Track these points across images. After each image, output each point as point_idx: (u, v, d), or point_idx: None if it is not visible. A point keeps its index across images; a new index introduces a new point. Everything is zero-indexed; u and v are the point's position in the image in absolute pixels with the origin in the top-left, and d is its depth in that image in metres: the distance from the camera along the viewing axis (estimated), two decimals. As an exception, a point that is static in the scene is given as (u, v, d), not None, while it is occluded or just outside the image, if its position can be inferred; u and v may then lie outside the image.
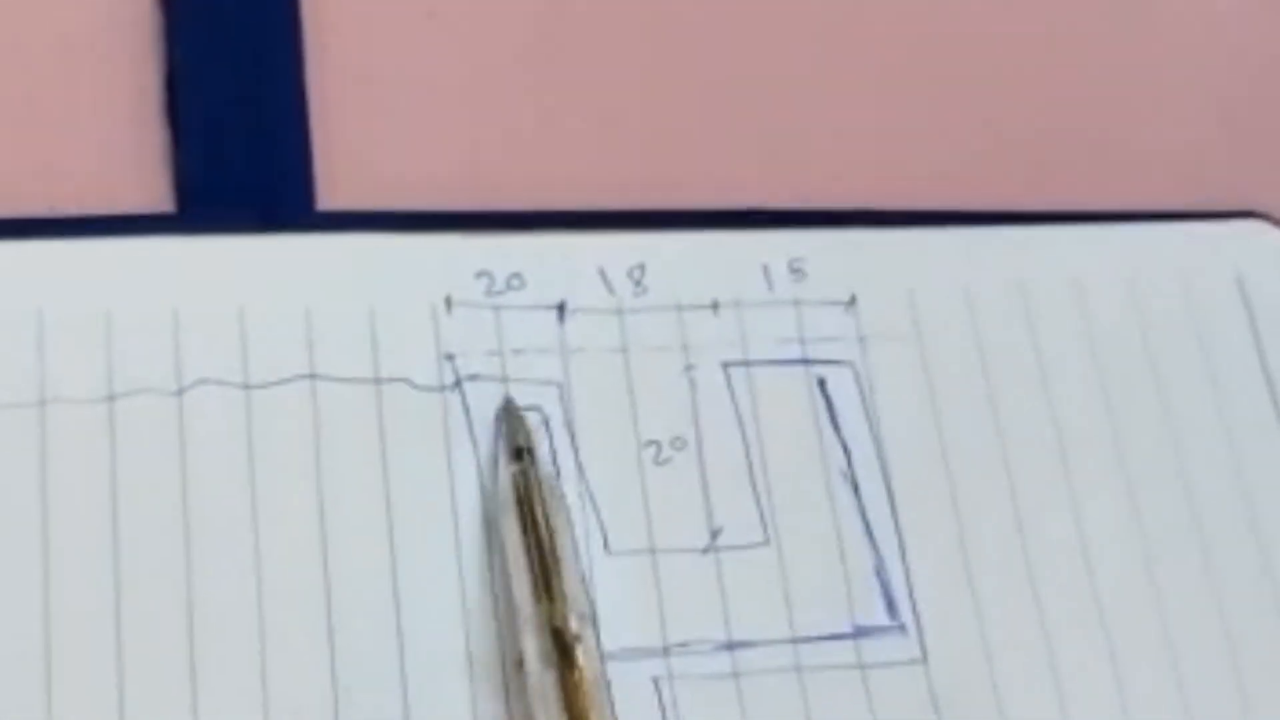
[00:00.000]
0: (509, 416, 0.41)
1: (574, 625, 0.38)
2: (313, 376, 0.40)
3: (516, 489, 0.39)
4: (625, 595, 0.40)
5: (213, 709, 0.37)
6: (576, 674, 0.37)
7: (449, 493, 0.40)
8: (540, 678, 0.37)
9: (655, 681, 0.39)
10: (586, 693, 0.37)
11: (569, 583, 0.38)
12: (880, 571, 0.41)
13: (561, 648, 0.37)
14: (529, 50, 0.46)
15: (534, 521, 0.39)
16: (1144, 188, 0.48)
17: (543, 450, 0.40)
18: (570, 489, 0.41)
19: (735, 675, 0.40)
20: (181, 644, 0.37)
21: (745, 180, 0.46)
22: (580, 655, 0.37)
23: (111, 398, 0.39)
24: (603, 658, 0.38)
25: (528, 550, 0.39)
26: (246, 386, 0.40)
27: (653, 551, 0.41)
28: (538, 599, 0.38)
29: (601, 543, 0.40)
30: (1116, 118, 0.49)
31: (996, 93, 0.49)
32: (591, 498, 0.41)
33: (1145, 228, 0.47)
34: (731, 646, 0.40)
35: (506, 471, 0.40)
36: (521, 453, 0.40)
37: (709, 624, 0.40)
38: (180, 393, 0.39)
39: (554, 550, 0.39)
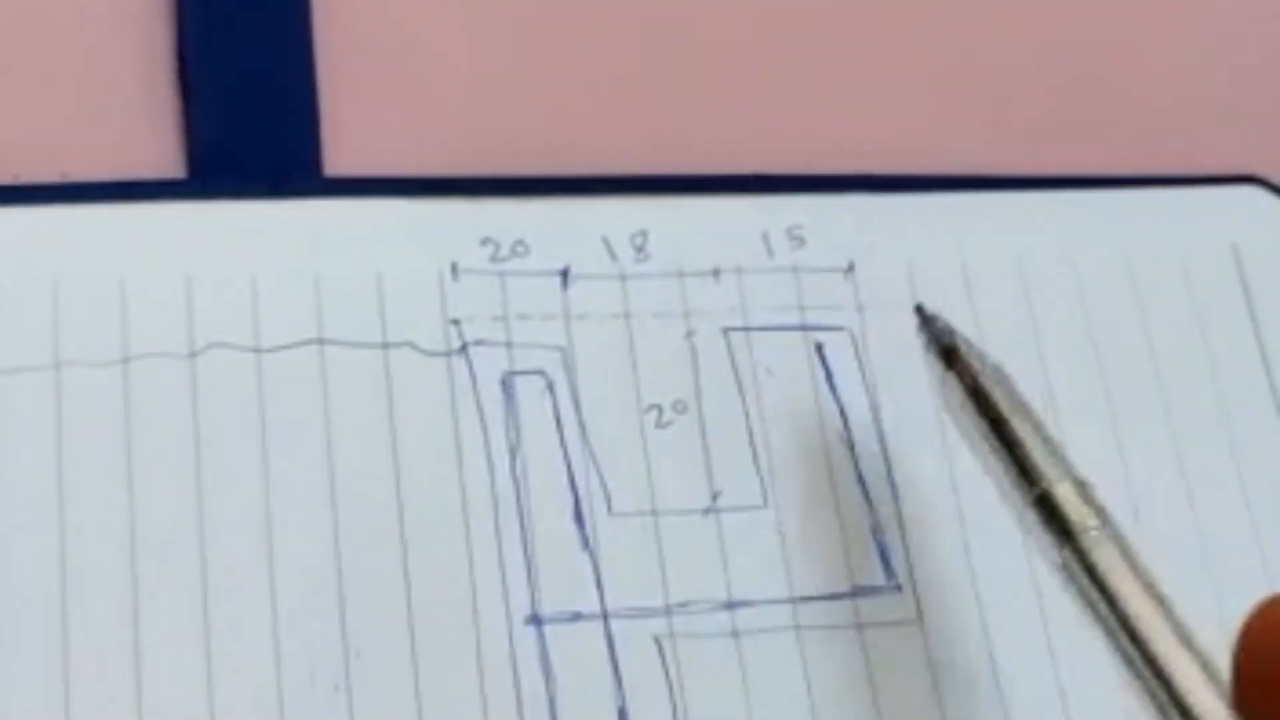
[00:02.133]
0: (927, 322, 0.41)
1: (1061, 491, 0.37)
2: (321, 341, 0.40)
3: (965, 388, 0.40)
4: (628, 556, 0.40)
5: (225, 669, 0.38)
6: (1087, 536, 0.37)
7: (455, 454, 0.40)
8: (1067, 561, 0.37)
9: (657, 640, 0.40)
10: (1111, 551, 0.36)
11: (1041, 458, 0.38)
12: (876, 533, 0.42)
13: (1057, 520, 0.37)
14: (534, 18, 0.47)
15: (996, 418, 0.39)
16: (1143, 154, 0.49)
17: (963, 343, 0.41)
18: (574, 452, 0.41)
19: (735, 634, 0.40)
20: (195, 606, 0.38)
21: (746, 148, 0.46)
22: (1073, 512, 0.37)
23: (125, 361, 0.39)
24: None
25: (1001, 445, 0.39)
26: (257, 350, 0.40)
27: (654, 513, 0.41)
28: (1022, 487, 0.38)
29: (605, 504, 0.41)
30: (1116, 85, 0.50)
31: (995, 61, 0.49)
32: (595, 460, 0.41)
33: (1142, 193, 0.47)
34: (731, 606, 0.41)
35: (949, 376, 0.40)
36: (951, 353, 0.40)
37: (710, 584, 0.41)
38: (193, 356, 0.40)
39: (1016, 434, 0.38)
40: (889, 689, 0.41)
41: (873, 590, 0.41)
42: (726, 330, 0.43)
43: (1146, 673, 0.35)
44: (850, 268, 0.44)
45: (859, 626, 0.41)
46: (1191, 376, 0.45)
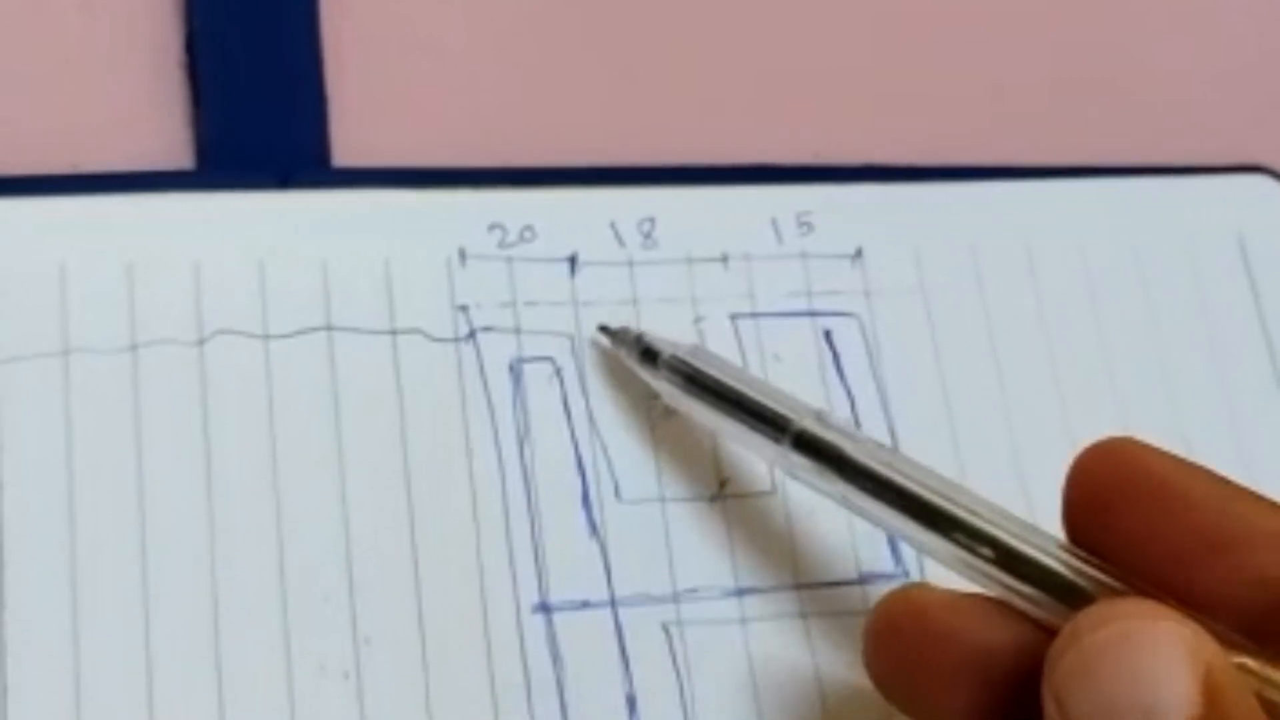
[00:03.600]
0: (615, 336, 0.41)
1: (812, 425, 0.38)
2: (329, 328, 0.40)
3: (682, 376, 0.40)
4: (636, 543, 0.40)
5: (235, 657, 0.38)
6: (853, 449, 0.37)
7: (463, 440, 0.40)
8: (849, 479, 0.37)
9: (665, 627, 0.40)
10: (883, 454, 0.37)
11: (778, 405, 0.39)
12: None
13: (823, 449, 0.38)
14: (541, 8, 0.47)
15: (721, 390, 0.39)
16: (1149, 143, 0.48)
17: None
18: (582, 438, 0.41)
19: (743, 621, 0.40)
20: (204, 596, 0.38)
21: (754, 135, 0.46)
22: (831, 436, 0.38)
23: (134, 348, 0.39)
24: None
25: (737, 410, 0.39)
26: (265, 337, 0.40)
27: (663, 500, 0.41)
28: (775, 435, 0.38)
29: (613, 491, 0.41)
30: (1122, 72, 0.50)
31: (1002, 49, 0.49)
32: (603, 447, 0.41)
33: (1148, 182, 0.47)
34: (740, 593, 0.41)
35: (661, 374, 0.40)
36: (654, 353, 0.41)
37: (718, 571, 0.41)
38: (201, 343, 0.40)
39: (746, 394, 0.39)
40: (897, 675, 0.41)
41: (881, 577, 0.41)
42: (734, 317, 0.43)
43: (967, 543, 0.35)
44: (858, 254, 0.44)
45: (867, 614, 0.41)
46: (1196, 363, 0.45)
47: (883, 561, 0.42)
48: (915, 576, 0.41)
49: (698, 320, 0.43)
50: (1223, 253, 0.47)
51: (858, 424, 0.43)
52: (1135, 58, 0.50)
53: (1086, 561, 0.34)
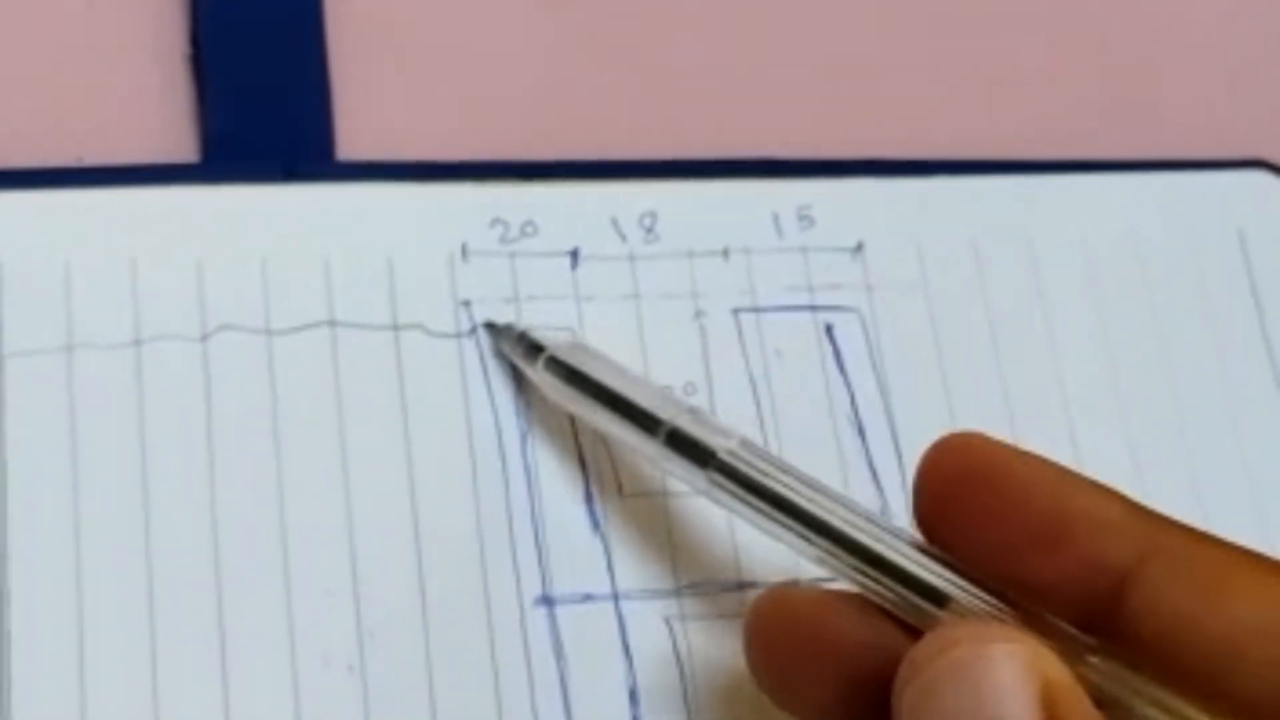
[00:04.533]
0: (500, 333, 0.41)
1: (684, 423, 0.38)
2: (332, 323, 0.41)
3: (563, 372, 0.40)
4: (638, 537, 0.41)
5: (239, 650, 0.38)
6: (723, 450, 0.38)
7: (466, 435, 0.40)
8: (713, 480, 0.38)
9: (668, 621, 0.40)
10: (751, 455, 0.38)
11: (656, 402, 0.39)
12: (885, 513, 0.42)
13: (694, 448, 0.38)
14: (544, 4, 0.47)
15: (600, 386, 0.40)
16: (1150, 138, 0.48)
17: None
18: (584, 433, 0.41)
19: (745, 615, 0.40)
20: (208, 588, 0.38)
21: (755, 129, 0.46)
22: (703, 436, 0.38)
23: (138, 343, 0.39)
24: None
25: (617, 406, 0.39)
26: (269, 332, 0.40)
27: (665, 494, 0.41)
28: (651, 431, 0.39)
29: (615, 485, 0.41)
30: (1123, 67, 0.50)
31: (1003, 43, 0.49)
32: (605, 442, 0.41)
33: (1150, 177, 0.47)
34: (742, 587, 0.41)
35: (542, 369, 0.40)
36: (537, 347, 0.41)
37: (720, 565, 0.41)
38: (204, 338, 0.40)
39: (624, 392, 0.39)
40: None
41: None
42: (736, 311, 0.43)
43: (826, 545, 0.36)
44: (859, 248, 0.44)
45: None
46: (1197, 357, 0.45)
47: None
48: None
49: (698, 314, 0.43)
50: (1224, 248, 0.47)
51: (858, 420, 0.43)
52: (1137, 53, 0.50)
53: (938, 560, 0.35)
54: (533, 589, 0.40)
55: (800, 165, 0.45)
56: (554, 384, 0.40)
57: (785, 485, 0.37)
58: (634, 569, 0.40)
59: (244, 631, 0.38)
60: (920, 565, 0.35)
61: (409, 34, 0.46)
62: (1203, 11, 0.51)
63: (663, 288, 0.43)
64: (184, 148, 0.43)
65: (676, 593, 0.40)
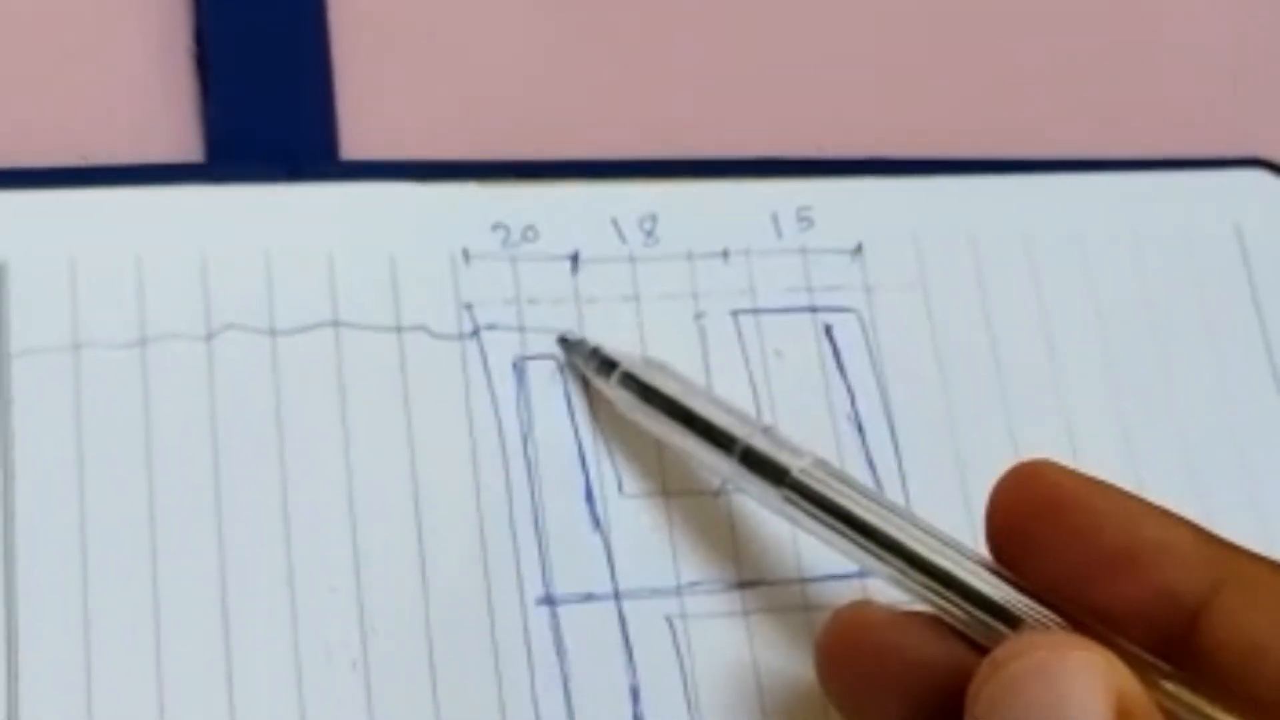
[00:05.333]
0: (573, 347, 0.42)
1: (758, 442, 0.39)
2: (336, 324, 0.41)
3: (637, 389, 0.41)
4: (639, 536, 0.41)
5: (243, 647, 0.38)
6: (796, 469, 0.38)
7: (468, 436, 0.41)
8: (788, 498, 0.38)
9: (669, 620, 0.40)
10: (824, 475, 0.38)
11: (730, 421, 0.39)
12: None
13: (768, 465, 0.39)
14: (546, 4, 0.47)
15: (674, 404, 0.40)
16: (1148, 136, 0.48)
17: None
18: (585, 434, 0.41)
19: (746, 613, 0.41)
20: (213, 585, 0.38)
21: (754, 130, 0.46)
22: (776, 454, 0.38)
23: (143, 342, 0.39)
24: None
25: (691, 425, 0.40)
26: (272, 332, 0.40)
27: (666, 494, 0.41)
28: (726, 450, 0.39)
29: (616, 485, 0.41)
30: (1121, 66, 0.50)
31: (1001, 42, 0.49)
32: (606, 442, 0.41)
33: (1147, 175, 0.47)
34: (743, 586, 0.41)
35: (617, 385, 0.41)
36: (610, 363, 0.41)
37: (721, 564, 0.41)
38: (209, 337, 0.40)
39: (699, 410, 0.40)
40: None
41: (880, 571, 0.42)
42: (735, 312, 0.43)
43: (900, 565, 0.37)
44: (858, 249, 0.44)
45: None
46: (1194, 356, 0.46)
47: (883, 554, 0.42)
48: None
49: (698, 316, 0.43)
50: (1221, 245, 0.47)
51: (858, 420, 0.43)
52: (1134, 51, 0.50)
53: (1010, 583, 0.36)
54: (535, 588, 0.40)
55: (800, 165, 0.45)
56: (627, 399, 0.41)
57: (858, 504, 0.37)
58: (635, 568, 0.40)
59: (248, 628, 0.38)
60: (993, 586, 0.36)
61: (412, 34, 0.46)
62: (1202, 11, 0.51)
63: (662, 289, 0.43)
64: (188, 147, 0.43)
65: (678, 592, 0.40)
